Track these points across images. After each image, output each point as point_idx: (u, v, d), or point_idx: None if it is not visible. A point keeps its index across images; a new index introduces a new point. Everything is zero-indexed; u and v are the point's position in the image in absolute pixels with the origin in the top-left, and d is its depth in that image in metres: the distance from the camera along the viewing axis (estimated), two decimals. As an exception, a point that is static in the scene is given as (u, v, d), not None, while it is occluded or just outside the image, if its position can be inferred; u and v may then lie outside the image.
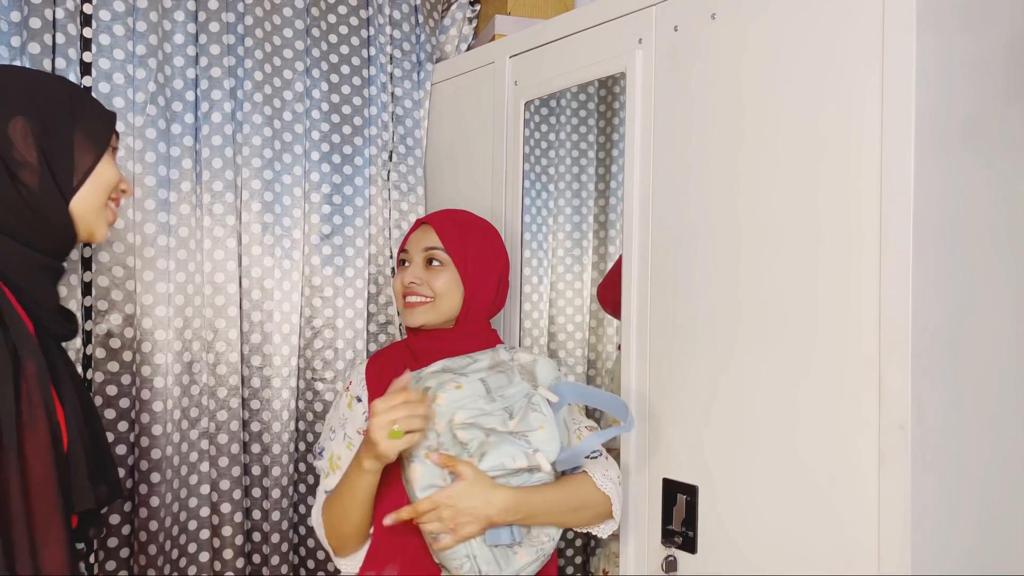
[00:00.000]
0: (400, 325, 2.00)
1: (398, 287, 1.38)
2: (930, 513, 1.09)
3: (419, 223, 1.42)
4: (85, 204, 1.09)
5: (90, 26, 1.57)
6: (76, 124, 1.09)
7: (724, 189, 1.30)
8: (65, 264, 1.14)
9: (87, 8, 1.56)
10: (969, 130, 1.16)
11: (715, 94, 1.31)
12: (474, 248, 1.37)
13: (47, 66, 1.51)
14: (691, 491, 1.33)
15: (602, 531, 1.33)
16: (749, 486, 1.25)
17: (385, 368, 1.39)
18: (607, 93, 1.75)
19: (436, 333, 1.37)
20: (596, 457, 1.33)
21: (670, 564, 1.34)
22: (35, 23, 1.49)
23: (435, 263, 1.35)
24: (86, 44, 1.57)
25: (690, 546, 1.32)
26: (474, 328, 1.38)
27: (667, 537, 1.35)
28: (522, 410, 1.22)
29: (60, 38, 1.52)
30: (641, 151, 1.44)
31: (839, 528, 1.14)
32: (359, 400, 1.38)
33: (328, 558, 1.85)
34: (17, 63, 1.48)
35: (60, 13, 1.52)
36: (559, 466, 1.26)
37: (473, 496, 1.16)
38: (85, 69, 1.57)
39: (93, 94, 1.57)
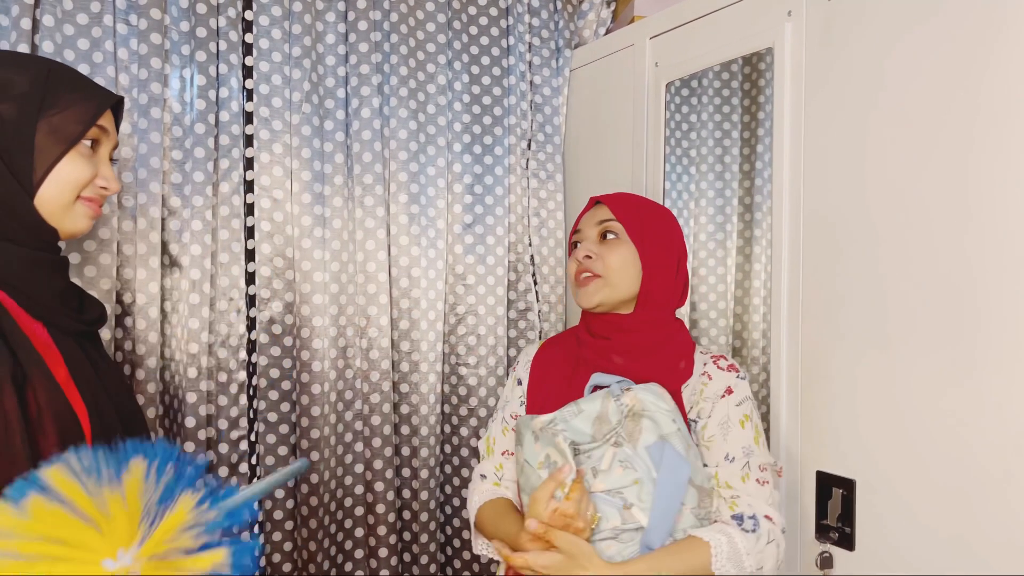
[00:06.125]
0: (539, 312, 2.02)
1: (572, 268, 1.29)
2: None
3: (592, 202, 1.33)
4: (50, 204, 1.00)
5: (251, 32, 1.67)
6: (42, 114, 0.98)
7: (881, 173, 1.22)
8: (65, 256, 1.07)
9: (248, 15, 1.66)
10: None
11: (873, 69, 1.24)
12: (651, 227, 1.27)
13: (212, 72, 1.61)
14: (848, 485, 1.27)
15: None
16: (912, 480, 1.18)
17: (548, 355, 1.35)
18: (751, 71, 1.68)
19: (612, 319, 1.26)
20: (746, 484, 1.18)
21: (825, 560, 1.29)
22: (201, 32, 1.60)
23: (610, 235, 1.25)
24: (247, 49, 1.67)
25: (847, 542, 1.27)
26: (655, 315, 1.25)
27: (821, 532, 1.30)
28: (608, 468, 1.14)
29: (223, 45, 1.63)
30: (791, 131, 1.38)
31: (1015, 526, 1.06)
32: (519, 383, 1.36)
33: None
34: (187, 71, 1.59)
35: (223, 21, 1.63)
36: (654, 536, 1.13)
37: (567, 570, 1.09)
38: (247, 73, 1.67)
39: (254, 96, 1.67)
